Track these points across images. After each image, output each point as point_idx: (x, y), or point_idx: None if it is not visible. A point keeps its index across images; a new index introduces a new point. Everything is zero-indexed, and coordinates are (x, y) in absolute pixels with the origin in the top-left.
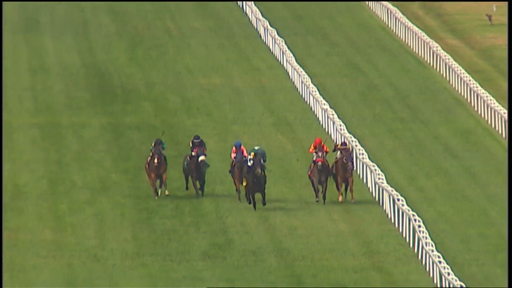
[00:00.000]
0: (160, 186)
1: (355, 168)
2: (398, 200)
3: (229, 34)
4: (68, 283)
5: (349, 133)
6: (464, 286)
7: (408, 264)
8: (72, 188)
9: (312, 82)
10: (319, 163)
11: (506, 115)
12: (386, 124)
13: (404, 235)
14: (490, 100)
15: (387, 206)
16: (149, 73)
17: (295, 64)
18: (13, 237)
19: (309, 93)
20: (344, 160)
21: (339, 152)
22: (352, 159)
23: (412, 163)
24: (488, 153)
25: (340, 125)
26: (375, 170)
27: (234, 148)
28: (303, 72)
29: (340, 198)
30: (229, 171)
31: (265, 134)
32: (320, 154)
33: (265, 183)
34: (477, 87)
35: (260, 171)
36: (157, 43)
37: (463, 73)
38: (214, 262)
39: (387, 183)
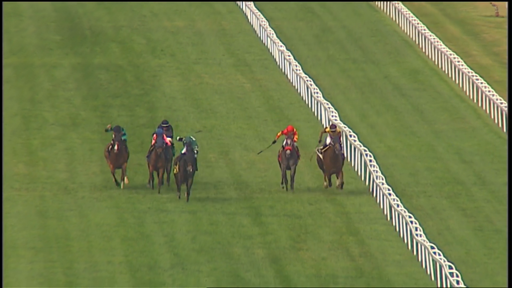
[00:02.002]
0: (122, 179)
1: (344, 151)
2: (351, 136)
3: None
4: (40, 214)
5: (305, 73)
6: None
7: (360, 196)
8: (44, 125)
9: (269, 25)
10: (288, 151)
11: (452, 56)
12: (339, 64)
13: (356, 169)
14: (437, 42)
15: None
16: (116, 16)
17: (254, 8)
18: None
19: (267, 35)
20: (335, 150)
21: (328, 138)
22: (341, 142)
23: (363, 101)
24: (435, 92)
25: (296, 66)
26: (329, 108)
27: (155, 135)
28: (261, 16)
29: (325, 184)
30: (146, 156)
31: (226, 74)
32: (289, 141)
33: (193, 176)
34: (425, 29)
35: (191, 168)
36: None
37: (412, 17)
38: (177, 194)
39: (340, 120)
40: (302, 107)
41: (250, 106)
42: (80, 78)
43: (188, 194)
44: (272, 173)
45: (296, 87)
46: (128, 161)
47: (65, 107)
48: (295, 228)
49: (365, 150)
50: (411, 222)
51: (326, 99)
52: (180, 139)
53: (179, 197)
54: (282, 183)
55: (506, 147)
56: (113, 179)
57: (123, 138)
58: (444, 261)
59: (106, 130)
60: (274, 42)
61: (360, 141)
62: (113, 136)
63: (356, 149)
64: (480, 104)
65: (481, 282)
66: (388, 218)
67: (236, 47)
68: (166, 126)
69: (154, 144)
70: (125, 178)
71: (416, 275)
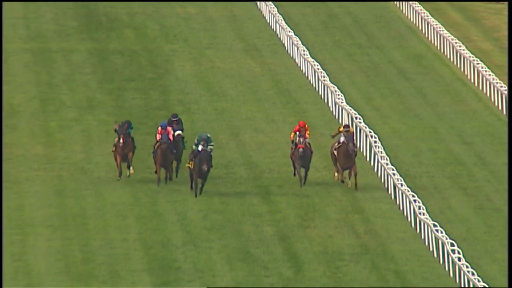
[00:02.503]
0: (128, 167)
1: (357, 150)
2: (356, 118)
3: None
4: (57, 193)
5: (312, 57)
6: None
7: (365, 176)
8: (61, 107)
9: (278, 11)
10: (300, 149)
11: (453, 42)
12: (345, 49)
13: (361, 150)
14: (440, 27)
15: (346, 123)
16: (130, 3)
17: None
18: (8, 152)
19: (276, 21)
20: (348, 149)
21: (342, 136)
22: (354, 140)
23: (368, 84)
24: (437, 75)
25: (304, 51)
26: (336, 91)
27: (159, 128)
28: (270, 3)
29: (336, 176)
30: (152, 152)
31: (236, 58)
32: (301, 139)
33: (208, 173)
34: (427, 16)
35: (206, 167)
36: None
37: (415, 3)
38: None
39: (346, 103)
40: (309, 90)
41: (260, 89)
42: (96, 62)
43: (201, 190)
44: (280, 154)
45: (303, 71)
46: (135, 151)
47: (82, 91)
48: (302, 206)
49: (370, 132)
50: (414, 201)
51: (332, 83)
52: (197, 145)
53: (196, 195)
54: (295, 175)
55: (505, 129)
56: (118, 172)
57: (129, 131)
58: (446, 239)
59: (115, 130)
60: (282, 28)
61: (365, 123)
62: (119, 131)
63: (362, 131)
64: (480, 88)
65: (481, 259)
66: (392, 197)
67: (246, 32)
68: (176, 120)
69: (159, 140)
70: (131, 168)
71: (419, 252)
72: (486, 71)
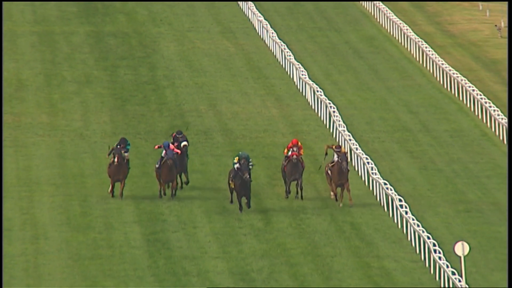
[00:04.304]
0: (121, 193)
1: (349, 167)
2: (318, 91)
3: None
4: (59, 156)
5: (279, 39)
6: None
7: (325, 141)
8: (63, 82)
9: None
10: (294, 156)
11: (401, 25)
12: (308, 32)
13: (322, 119)
14: (389, 13)
15: (308, 95)
16: None
17: None
18: (17, 120)
19: (248, 8)
20: (342, 167)
21: (335, 155)
22: (347, 159)
23: (328, 62)
24: (387, 54)
25: (272, 33)
26: (299, 68)
27: (162, 148)
28: None
29: (332, 196)
30: (157, 167)
31: (214, 40)
32: (295, 148)
33: (250, 186)
34: (379, 3)
35: (247, 175)
36: None
37: None
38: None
39: (309, 78)
40: (277, 67)
41: (234, 66)
42: (93, 43)
43: (248, 203)
44: (252, 122)
45: (272, 51)
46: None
47: (81, 67)
48: (271, 167)
49: (329, 103)
50: (368, 163)
51: (297, 61)
52: (238, 162)
53: (241, 210)
54: (287, 195)
55: (446, 100)
56: (111, 190)
57: (126, 150)
58: (395, 195)
59: (110, 153)
60: (254, 13)
61: (325, 95)
62: (114, 150)
63: (322, 102)
64: (424, 65)
65: (425, 213)
66: (348, 159)
67: (223, 17)
68: (181, 136)
69: (164, 155)
70: (121, 196)
71: (372, 207)
72: (429, 50)
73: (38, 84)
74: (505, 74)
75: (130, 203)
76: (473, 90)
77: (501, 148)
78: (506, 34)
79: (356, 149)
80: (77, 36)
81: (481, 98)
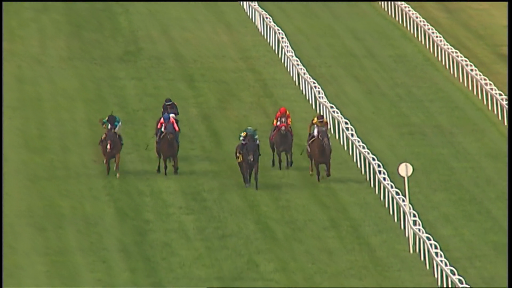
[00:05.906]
0: (117, 168)
1: (331, 143)
2: (267, 18)
3: None
4: (17, 80)
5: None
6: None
7: (274, 66)
8: (20, 9)
9: None
10: (283, 128)
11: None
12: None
13: (271, 45)
14: None
15: (258, 22)
16: None
17: None
18: None
19: None
20: (323, 144)
21: (315, 129)
22: (328, 136)
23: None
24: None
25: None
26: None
27: (161, 120)
28: None
29: (311, 172)
30: (156, 142)
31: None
32: (283, 119)
33: (257, 165)
34: None
35: (252, 158)
36: None
37: None
38: (128, 64)
39: (258, 5)
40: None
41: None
42: None
43: (256, 181)
44: (203, 48)
45: None
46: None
47: None
48: (221, 91)
49: (278, 29)
50: (315, 87)
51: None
52: (243, 139)
53: (246, 185)
54: (273, 164)
55: (391, 27)
56: (106, 169)
57: (116, 126)
58: (341, 118)
59: (103, 124)
60: None
61: (274, 22)
62: (106, 130)
63: (271, 29)
64: None
65: (370, 135)
66: (297, 84)
67: None
68: (170, 104)
69: (159, 128)
70: (117, 173)
71: None
72: None
73: None
74: (447, 2)
75: (84, 125)
76: (417, 17)
77: (443, 73)
78: None
79: (304, 73)
80: None
81: (424, 25)
